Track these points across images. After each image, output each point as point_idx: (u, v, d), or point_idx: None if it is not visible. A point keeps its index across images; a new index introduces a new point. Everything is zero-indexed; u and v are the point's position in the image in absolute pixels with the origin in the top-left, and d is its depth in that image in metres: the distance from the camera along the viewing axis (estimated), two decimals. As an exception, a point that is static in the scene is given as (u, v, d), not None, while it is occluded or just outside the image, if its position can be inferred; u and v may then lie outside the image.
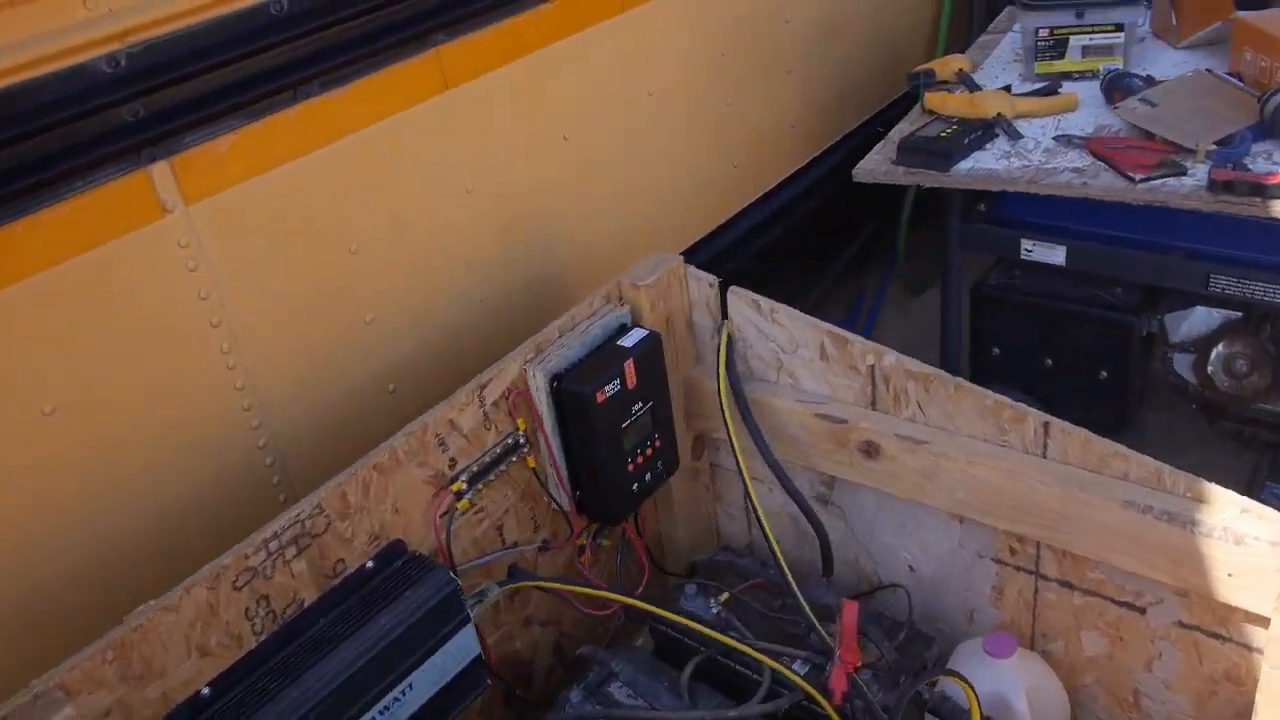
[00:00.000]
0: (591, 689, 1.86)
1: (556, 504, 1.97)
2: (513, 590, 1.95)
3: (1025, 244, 2.53)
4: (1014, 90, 2.62)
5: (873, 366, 1.89)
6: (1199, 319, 2.59)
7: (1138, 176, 2.17)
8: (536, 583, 1.87)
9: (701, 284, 2.06)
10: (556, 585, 1.89)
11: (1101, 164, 2.25)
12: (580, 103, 2.21)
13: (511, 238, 2.13)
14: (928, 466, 1.86)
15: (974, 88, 2.64)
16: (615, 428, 1.88)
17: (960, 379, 1.81)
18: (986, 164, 2.34)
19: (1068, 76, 2.68)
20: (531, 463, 1.90)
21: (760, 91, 2.71)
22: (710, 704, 1.81)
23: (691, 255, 2.59)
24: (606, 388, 1.84)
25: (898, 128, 2.53)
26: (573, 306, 1.94)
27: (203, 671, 1.50)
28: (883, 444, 1.90)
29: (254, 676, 1.52)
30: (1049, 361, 2.74)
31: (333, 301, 1.84)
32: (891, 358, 1.87)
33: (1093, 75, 2.66)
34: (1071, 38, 2.65)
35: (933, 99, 2.57)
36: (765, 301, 1.98)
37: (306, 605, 1.60)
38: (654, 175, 2.45)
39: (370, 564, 1.67)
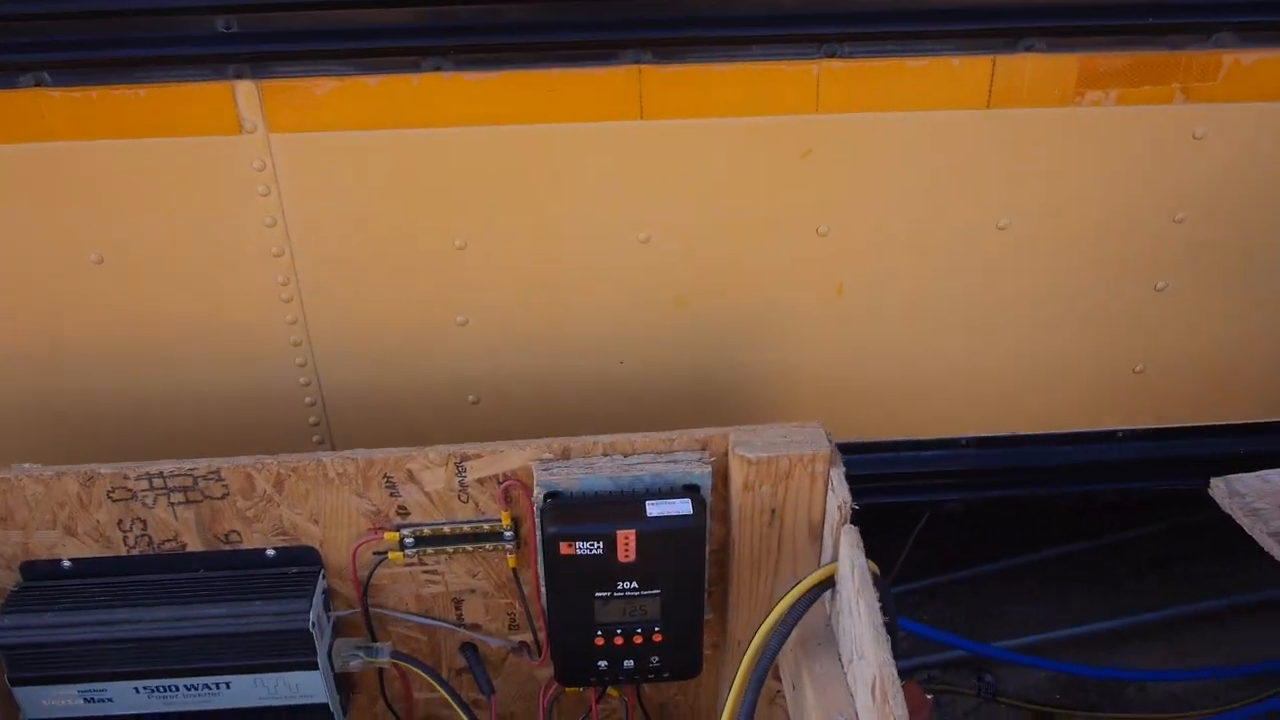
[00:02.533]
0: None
1: (530, 623, 1.66)
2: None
3: None
4: None
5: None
6: None
7: None
8: (425, 674, 1.61)
9: (835, 498, 1.50)
10: (438, 687, 1.61)
11: None
12: (863, 195, 1.64)
13: (691, 313, 1.72)
14: None
15: None
16: (580, 590, 1.50)
17: None
18: None
19: None
20: (513, 562, 1.60)
21: (1248, 292, 1.80)
22: None
23: (997, 453, 1.94)
24: (579, 544, 1.45)
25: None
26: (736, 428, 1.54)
27: (66, 547, 1.54)
28: None
29: (111, 577, 1.57)
30: None
31: (419, 287, 1.66)
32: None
33: None
34: None
35: None
36: (864, 570, 1.38)
37: (188, 549, 1.56)
38: (960, 325, 1.79)
39: (271, 552, 1.58)
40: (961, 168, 1.65)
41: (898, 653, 1.44)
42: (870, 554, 1.43)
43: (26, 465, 1.50)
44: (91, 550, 1.56)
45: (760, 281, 1.73)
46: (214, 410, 1.75)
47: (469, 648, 1.73)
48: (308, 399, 1.78)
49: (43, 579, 1.56)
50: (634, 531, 1.45)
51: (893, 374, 1.83)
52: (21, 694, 1.54)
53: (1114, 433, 1.95)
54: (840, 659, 1.51)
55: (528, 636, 1.71)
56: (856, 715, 1.41)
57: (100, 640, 1.50)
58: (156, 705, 1.57)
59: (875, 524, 1.70)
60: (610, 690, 1.74)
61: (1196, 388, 1.91)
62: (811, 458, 1.50)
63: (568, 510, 1.47)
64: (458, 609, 1.68)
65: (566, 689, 1.72)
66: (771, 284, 1.73)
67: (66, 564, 1.57)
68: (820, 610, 1.56)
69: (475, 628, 1.70)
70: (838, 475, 1.52)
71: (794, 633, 1.49)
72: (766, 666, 1.45)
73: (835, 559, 1.50)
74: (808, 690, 1.49)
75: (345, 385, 1.77)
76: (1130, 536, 2.78)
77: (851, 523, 1.47)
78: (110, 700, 1.56)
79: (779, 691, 1.74)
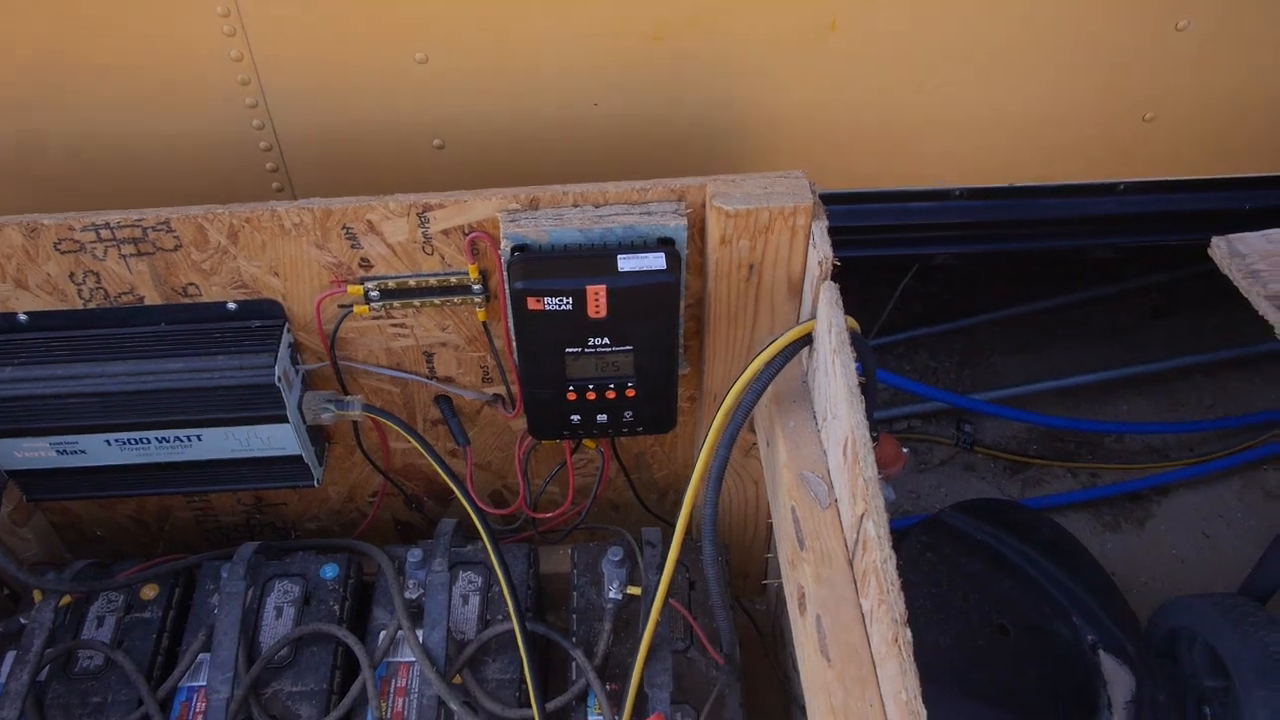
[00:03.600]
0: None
1: (503, 376, 1.64)
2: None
3: None
4: None
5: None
6: None
7: None
8: (397, 426, 1.60)
9: (816, 253, 1.43)
10: (410, 438, 1.60)
11: None
12: None
13: (669, 47, 1.57)
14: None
15: None
16: (550, 346, 1.46)
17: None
18: None
19: None
20: (482, 316, 1.55)
21: (1278, 35, 1.66)
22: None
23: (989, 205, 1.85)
24: (547, 300, 1.39)
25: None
26: (712, 178, 1.43)
27: (20, 300, 1.49)
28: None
29: (69, 331, 1.53)
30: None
31: (373, 17, 1.51)
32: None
33: None
34: None
35: None
36: (842, 329, 1.34)
37: (146, 302, 1.51)
38: (960, 66, 1.65)
39: (233, 305, 1.53)
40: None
41: (878, 405, 1.42)
42: (855, 306, 1.38)
43: (-37, 214, 1.42)
44: (47, 304, 1.50)
45: (746, 13, 1.57)
46: (166, 158, 1.65)
47: (443, 400, 1.71)
48: (262, 144, 1.67)
49: (-1, 332, 1.52)
50: (604, 287, 1.39)
51: (885, 120, 1.71)
52: (-7, 445, 1.54)
53: (1116, 185, 1.85)
54: (815, 416, 1.49)
55: (501, 389, 1.69)
56: (829, 473, 1.41)
57: (63, 394, 1.48)
58: (130, 457, 1.57)
59: (862, 276, 1.64)
60: (586, 442, 1.75)
61: (1208, 139, 1.79)
62: (793, 210, 1.42)
63: (536, 264, 1.40)
64: (429, 362, 1.65)
65: (542, 441, 1.73)
66: (758, 16, 1.58)
67: (22, 318, 1.52)
68: (797, 366, 1.53)
69: (448, 380, 1.68)
70: (819, 230, 1.44)
71: (770, 388, 1.46)
72: (740, 422, 1.43)
73: (814, 316, 1.45)
74: (780, 446, 1.47)
75: (303, 129, 1.65)
76: (1125, 289, 2.74)
77: (835, 277, 1.41)
78: (83, 452, 1.55)
79: (754, 444, 1.74)
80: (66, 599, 1.64)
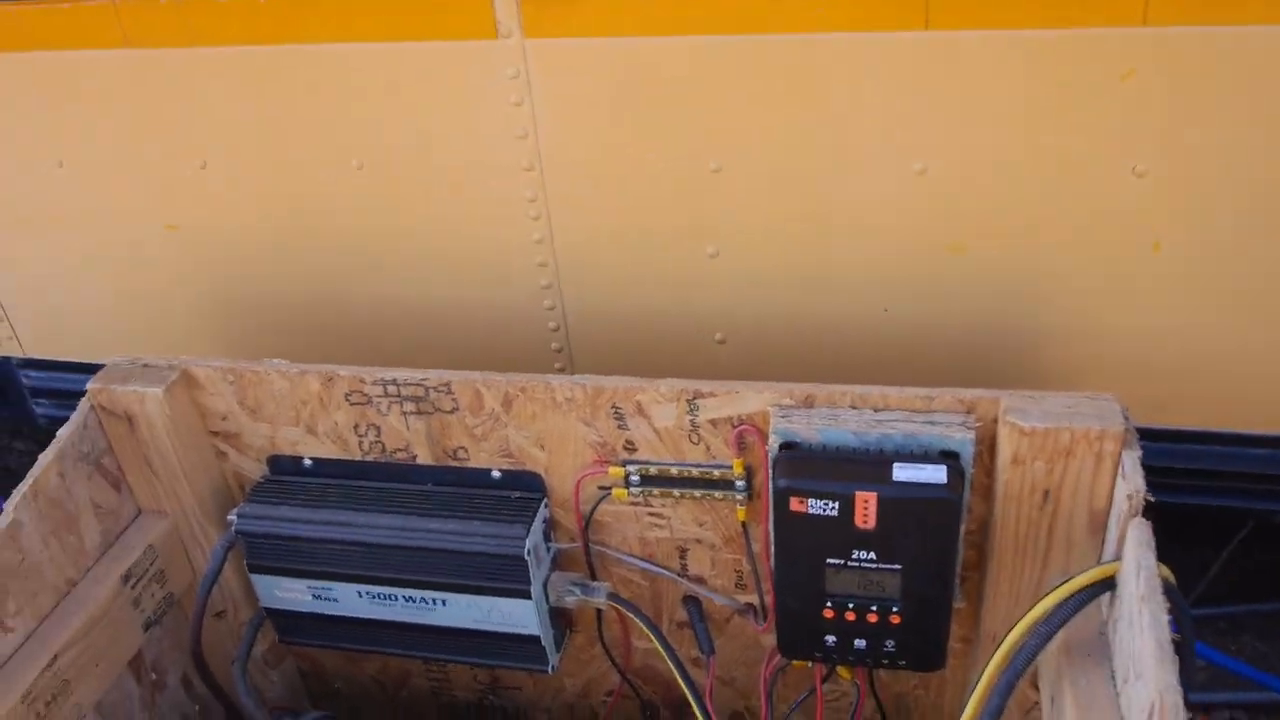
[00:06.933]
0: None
1: (757, 585, 1.52)
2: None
3: None
4: None
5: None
6: None
7: None
8: (641, 622, 1.51)
9: (1126, 486, 1.25)
10: (652, 638, 1.50)
11: None
12: (1195, 129, 1.33)
13: (969, 261, 1.49)
14: None
15: None
16: (811, 553, 1.34)
17: None
18: None
19: None
20: (742, 515, 1.47)
21: None
22: None
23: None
24: (811, 502, 1.29)
25: None
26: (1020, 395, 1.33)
27: (307, 445, 1.57)
28: None
29: (345, 480, 1.59)
30: None
31: (671, 212, 1.53)
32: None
33: None
34: None
35: None
36: (1153, 574, 1.14)
37: (418, 461, 1.55)
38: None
39: (497, 474, 1.54)
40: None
41: (1192, 683, 1.19)
42: (1165, 560, 1.19)
43: (276, 360, 1.53)
44: (329, 451, 1.58)
45: (1057, 228, 1.48)
46: (459, 324, 1.73)
47: (692, 601, 1.62)
48: (551, 324, 1.72)
49: (285, 474, 1.60)
50: (875, 495, 1.28)
51: (1215, 352, 1.51)
52: (259, 582, 1.60)
53: None
54: (1114, 677, 1.27)
55: (754, 598, 1.58)
56: (1127, 745, 1.18)
57: (329, 540, 1.52)
58: (377, 611, 1.58)
59: (1177, 529, 1.44)
60: (840, 671, 1.58)
61: None
62: (1100, 434, 1.26)
63: (804, 463, 1.32)
64: (682, 558, 1.57)
65: (792, 662, 1.59)
66: (1071, 233, 1.47)
67: (308, 462, 1.60)
68: (1095, 616, 1.33)
69: (699, 581, 1.59)
70: (1131, 459, 1.27)
71: (1059, 636, 1.27)
72: (1021, 669, 1.24)
73: (1118, 557, 1.26)
74: (1068, 708, 1.26)
75: (591, 313, 1.69)
76: None
77: (1144, 517, 1.23)
78: (336, 600, 1.58)
79: (1036, 703, 1.51)
80: (296, 748, 1.64)
